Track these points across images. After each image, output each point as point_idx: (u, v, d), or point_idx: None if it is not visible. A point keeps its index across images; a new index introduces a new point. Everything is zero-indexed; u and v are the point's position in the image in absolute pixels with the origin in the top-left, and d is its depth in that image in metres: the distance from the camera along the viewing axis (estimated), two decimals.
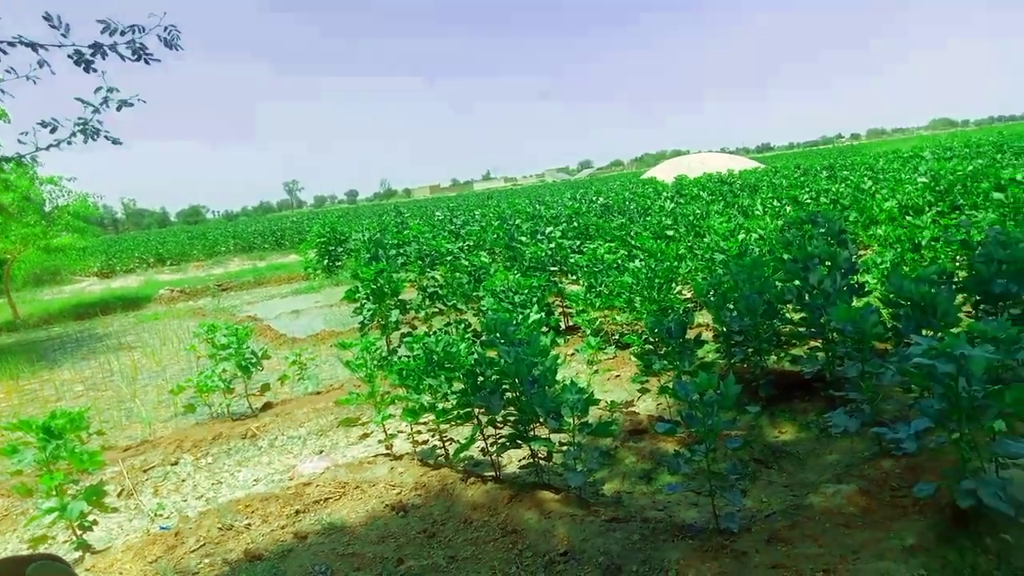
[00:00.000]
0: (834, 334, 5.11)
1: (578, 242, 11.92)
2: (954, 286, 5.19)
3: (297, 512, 4.79)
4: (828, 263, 5.54)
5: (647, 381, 6.03)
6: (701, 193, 19.89)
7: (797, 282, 5.61)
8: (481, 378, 4.59)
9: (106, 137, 4.38)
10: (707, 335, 7.14)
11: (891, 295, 4.72)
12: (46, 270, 27.09)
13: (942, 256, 8.03)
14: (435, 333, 6.83)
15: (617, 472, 5.00)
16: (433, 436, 5.45)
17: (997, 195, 8.96)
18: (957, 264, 7.82)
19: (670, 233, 11.99)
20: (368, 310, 8.70)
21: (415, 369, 4.91)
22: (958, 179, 11.39)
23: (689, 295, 9.52)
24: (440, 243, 10.65)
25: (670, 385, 4.07)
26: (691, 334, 5.70)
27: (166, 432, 7.39)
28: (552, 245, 10.25)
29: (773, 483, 4.56)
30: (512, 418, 4.54)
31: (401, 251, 11.64)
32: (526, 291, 7.53)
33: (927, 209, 10.88)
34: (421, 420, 5.18)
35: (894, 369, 3.78)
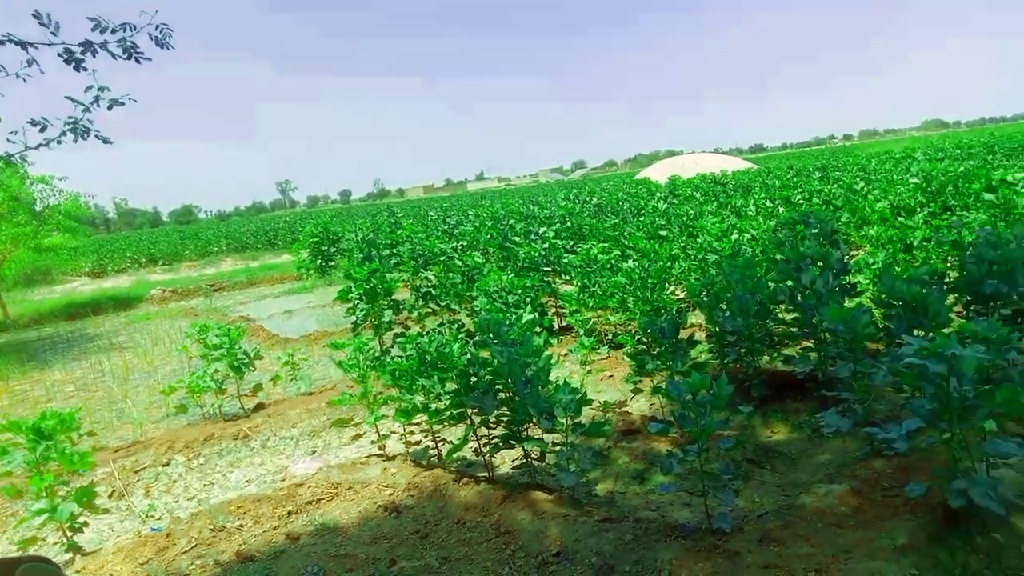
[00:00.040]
0: (826, 334, 5.13)
1: (572, 242, 11.93)
2: (945, 286, 5.21)
3: (289, 513, 4.78)
4: (820, 263, 5.56)
5: (640, 381, 6.03)
6: (694, 193, 19.94)
7: (790, 282, 5.62)
8: (474, 378, 4.58)
9: (96, 136, 4.35)
10: (700, 335, 7.16)
11: (883, 295, 4.74)
12: (37, 270, 26.91)
13: (933, 257, 8.07)
14: (428, 333, 6.81)
15: (610, 472, 5.01)
16: (426, 437, 5.43)
17: (988, 196, 9.00)
18: (948, 265, 7.85)
19: (663, 233, 12.01)
20: (361, 310, 8.69)
21: (408, 369, 4.89)
22: (949, 180, 11.45)
23: (682, 295, 9.54)
24: (433, 243, 10.64)
25: (663, 385, 4.07)
26: (684, 334, 5.71)
27: (157, 433, 7.35)
28: (546, 245, 10.25)
29: (766, 483, 4.57)
30: (505, 418, 4.54)
31: (394, 251, 11.63)
32: (519, 291, 7.53)
33: (919, 210, 10.93)
34: (414, 421, 5.17)
35: (886, 369, 3.80)
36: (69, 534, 4.69)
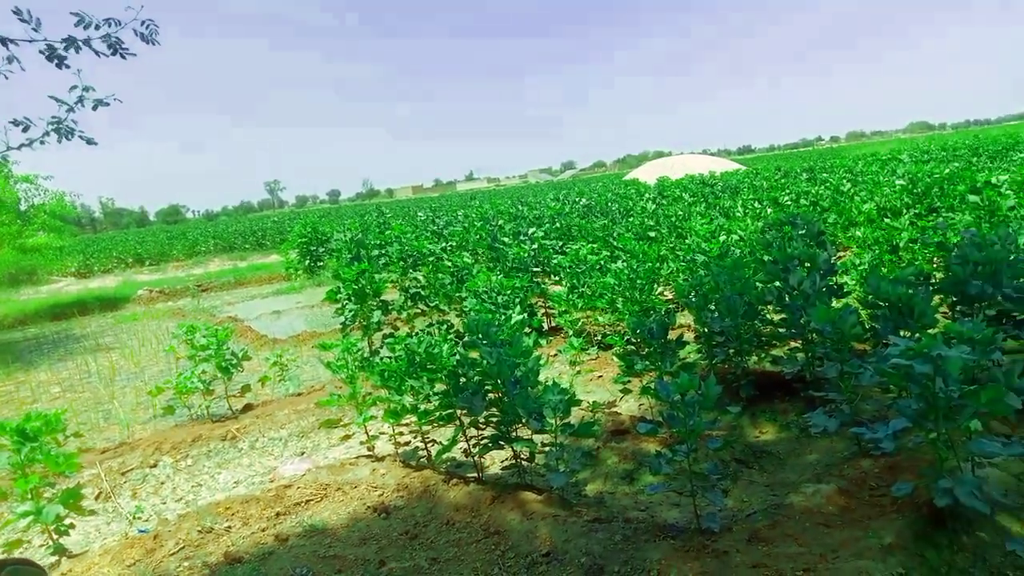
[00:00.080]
0: (814, 335, 5.16)
1: (561, 243, 11.93)
2: (931, 287, 5.27)
3: (278, 514, 4.76)
4: (808, 264, 5.60)
5: (629, 382, 6.05)
6: (683, 194, 19.99)
7: (777, 283, 5.66)
8: (463, 379, 4.58)
9: (80, 137, 4.28)
10: (689, 336, 7.19)
11: (869, 296, 4.78)
12: (22, 270, 26.64)
13: (919, 258, 8.14)
14: (417, 334, 6.80)
15: (599, 473, 5.02)
16: (415, 437, 5.42)
17: (973, 198, 9.08)
18: (934, 266, 7.93)
19: (652, 234, 12.04)
20: (350, 311, 8.66)
21: (397, 370, 4.89)
22: (935, 182, 11.54)
23: (671, 296, 9.57)
24: (422, 244, 10.61)
25: (652, 386, 4.08)
26: (673, 335, 5.73)
27: (145, 434, 7.30)
28: (535, 246, 10.26)
29: (754, 483, 4.59)
30: (494, 419, 4.54)
31: (383, 251, 11.59)
32: (509, 292, 7.53)
33: (905, 211, 11.01)
34: (403, 421, 5.16)
35: (872, 369, 3.82)
36: (55, 536, 4.65)
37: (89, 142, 4.39)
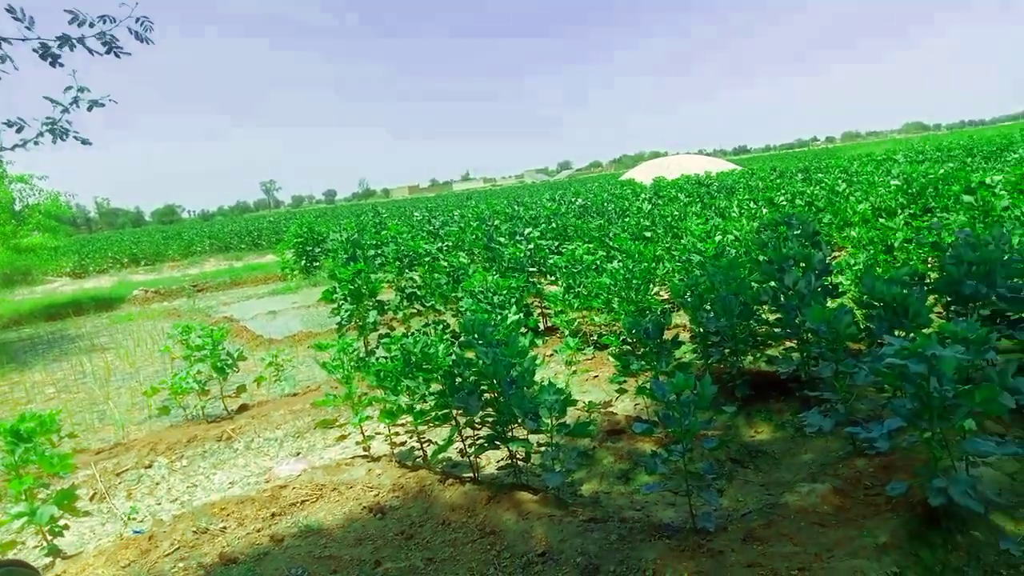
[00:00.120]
0: (809, 335, 5.17)
1: (557, 243, 11.94)
2: (926, 287, 5.28)
3: (273, 515, 4.75)
4: (803, 264, 5.61)
5: (625, 382, 6.05)
6: (679, 195, 20.00)
7: (772, 283, 5.67)
8: (459, 379, 4.58)
9: (75, 138, 4.24)
10: (684, 336, 7.19)
11: (864, 296, 4.79)
12: (16, 270, 26.52)
13: (914, 258, 8.16)
14: (413, 334, 6.80)
15: (595, 472, 5.02)
16: (411, 437, 5.42)
17: (967, 198, 9.11)
18: (929, 266, 7.94)
19: (648, 234, 12.05)
20: (346, 311, 8.64)
21: (393, 370, 4.88)
22: (930, 182, 11.56)
23: (667, 296, 9.58)
24: (418, 244, 10.60)
25: (648, 386, 4.10)
26: (668, 335, 5.74)
27: (140, 435, 7.28)
28: (531, 246, 10.26)
29: (749, 482, 4.60)
30: (490, 419, 4.54)
31: (379, 252, 11.57)
32: (505, 292, 7.53)
33: (900, 211, 11.03)
34: (399, 421, 5.15)
35: (867, 369, 3.84)
36: (49, 538, 4.63)
37: (84, 143, 4.35)
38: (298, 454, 6.21)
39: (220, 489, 5.66)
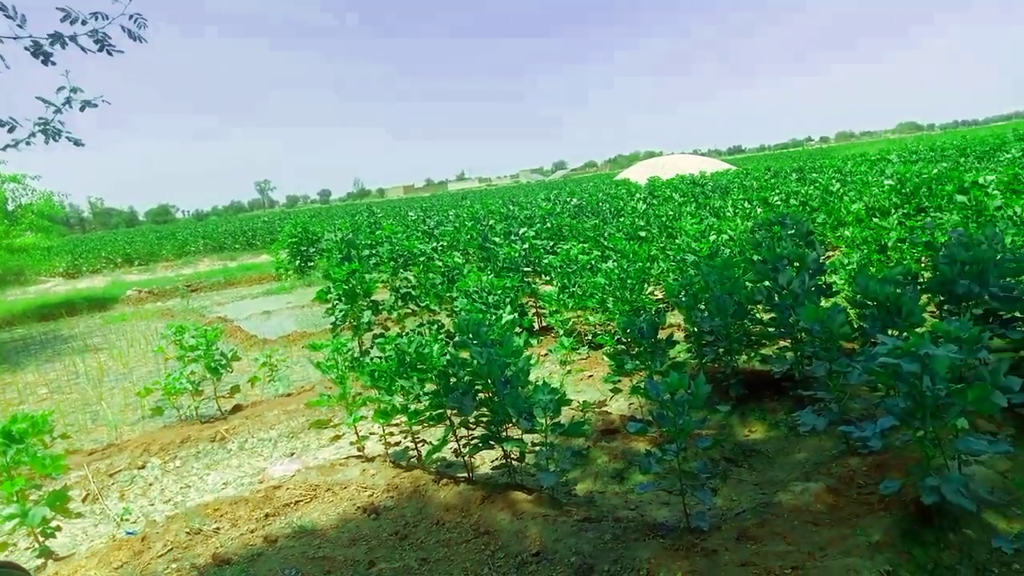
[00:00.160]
0: (803, 334, 5.18)
1: (551, 243, 11.94)
2: (919, 287, 5.30)
3: (267, 515, 4.73)
4: (797, 264, 5.62)
5: (619, 381, 6.06)
6: (673, 194, 20.03)
7: (767, 283, 5.68)
8: (453, 379, 4.57)
9: (68, 138, 4.21)
10: (678, 335, 7.20)
11: (858, 295, 4.80)
12: (9, 270, 26.37)
13: (907, 257, 8.19)
14: (408, 334, 6.79)
15: (589, 472, 5.02)
16: (405, 438, 5.42)
17: (960, 198, 9.15)
18: (922, 265, 7.97)
19: (643, 234, 12.07)
20: (340, 311, 8.64)
21: (387, 370, 4.87)
22: (923, 182, 11.61)
23: (661, 295, 9.60)
24: (413, 244, 10.59)
25: (642, 385, 4.10)
26: (663, 334, 5.75)
27: (133, 435, 7.25)
28: (526, 246, 10.26)
29: (743, 481, 4.61)
30: (485, 419, 4.54)
31: (374, 251, 11.56)
32: (499, 292, 7.53)
33: (893, 211, 11.07)
34: (393, 422, 5.15)
35: (861, 368, 3.85)
36: (41, 539, 4.61)
37: (76, 144, 4.32)
38: (292, 454, 6.20)
39: (214, 490, 5.64)
